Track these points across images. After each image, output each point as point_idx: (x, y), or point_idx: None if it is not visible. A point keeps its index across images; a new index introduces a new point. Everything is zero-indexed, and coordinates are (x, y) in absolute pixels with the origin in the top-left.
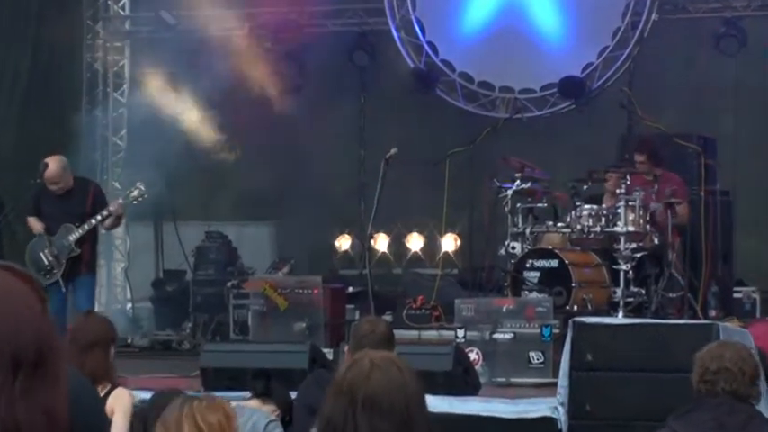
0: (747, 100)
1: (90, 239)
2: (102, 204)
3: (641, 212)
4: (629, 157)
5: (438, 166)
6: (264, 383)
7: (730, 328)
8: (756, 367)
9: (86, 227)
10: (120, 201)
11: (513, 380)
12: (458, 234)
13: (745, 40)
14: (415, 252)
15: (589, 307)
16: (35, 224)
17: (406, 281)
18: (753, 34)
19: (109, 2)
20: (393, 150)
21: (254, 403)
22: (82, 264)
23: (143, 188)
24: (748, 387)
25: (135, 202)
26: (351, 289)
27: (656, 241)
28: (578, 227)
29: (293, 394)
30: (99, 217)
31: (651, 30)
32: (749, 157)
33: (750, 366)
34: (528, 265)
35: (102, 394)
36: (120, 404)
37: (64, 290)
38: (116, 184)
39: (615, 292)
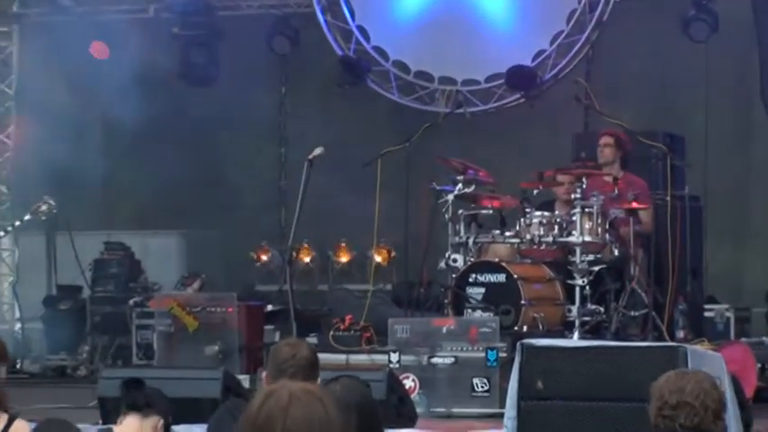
0: (720, 93)
1: None
2: None
3: (599, 220)
4: (585, 156)
5: (369, 167)
6: (143, 393)
7: (700, 351)
8: (721, 400)
9: None
10: None
11: (454, 410)
12: (391, 245)
13: (717, 25)
14: (343, 265)
15: (540, 327)
16: None
17: (332, 298)
18: (726, 18)
19: None
20: (318, 150)
21: (135, 421)
22: None
23: (52, 202)
24: (711, 423)
25: (44, 218)
26: (270, 307)
27: (616, 253)
28: (528, 236)
29: (203, 427)
30: None
31: (611, 12)
32: (722, 157)
33: (713, 400)
34: (471, 280)
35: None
36: None
37: None
38: (2, 188)
39: (570, 311)
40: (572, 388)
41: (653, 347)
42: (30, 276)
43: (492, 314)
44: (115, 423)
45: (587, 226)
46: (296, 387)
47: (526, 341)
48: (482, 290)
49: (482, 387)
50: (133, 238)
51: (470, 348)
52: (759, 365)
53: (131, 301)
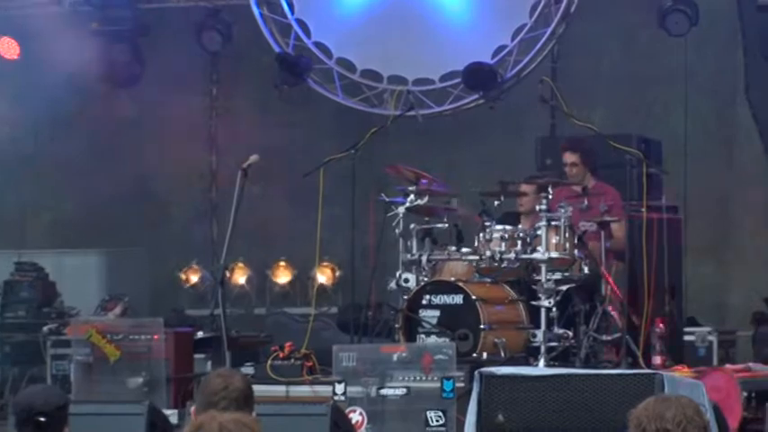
0: (700, 92)
1: None
2: None
3: (567, 234)
4: (551, 162)
5: (310, 177)
6: (46, 421)
7: (678, 378)
8: (706, 429)
9: None
10: None
11: None
12: (336, 264)
13: (698, 17)
14: (283, 287)
15: (502, 354)
16: None
17: (270, 323)
18: (706, 9)
19: None
20: (253, 158)
21: None
22: None
23: None
24: None
25: None
26: (200, 334)
27: (585, 270)
28: (488, 253)
29: None
30: None
31: (580, 3)
32: (703, 162)
33: (697, 427)
34: (425, 302)
35: None
36: None
37: None
38: None
39: (535, 336)
40: (537, 420)
41: (627, 375)
42: None
43: (448, 340)
44: None
45: (554, 241)
46: (226, 418)
47: (486, 369)
48: (437, 313)
49: (437, 421)
50: (47, 258)
51: (424, 378)
52: (745, 394)
53: (45, 329)
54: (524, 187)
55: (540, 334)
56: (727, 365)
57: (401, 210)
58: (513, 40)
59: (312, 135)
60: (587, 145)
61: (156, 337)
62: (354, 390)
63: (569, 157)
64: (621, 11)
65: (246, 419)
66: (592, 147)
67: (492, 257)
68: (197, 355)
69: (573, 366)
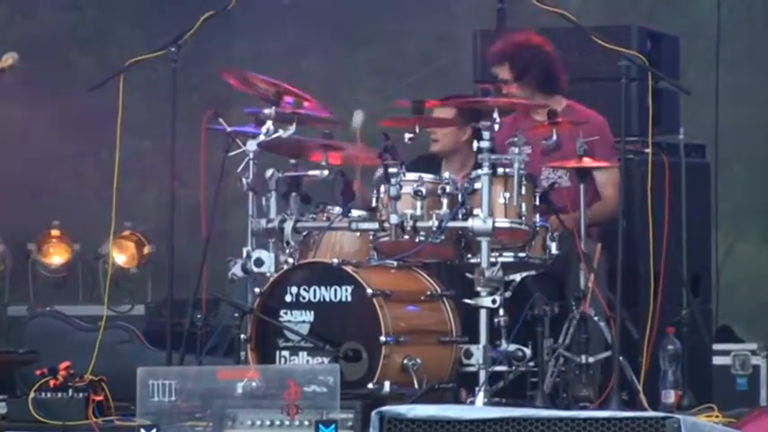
0: None
1: None
2: None
3: (524, 189)
4: (498, 75)
5: (102, 91)
6: None
7: (704, 426)
8: None
9: None
10: None
11: None
12: (143, 235)
13: None
14: (55, 271)
15: (416, 384)
16: None
17: (35, 330)
18: None
19: None
20: (9, 58)
21: None
22: None
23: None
24: None
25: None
26: None
27: (552, 249)
28: (394, 219)
29: None
30: None
31: None
32: (746, 74)
33: None
34: (290, 299)
35: None
36: None
37: None
38: None
39: (470, 354)
40: None
41: (621, 420)
42: None
43: (327, 360)
44: None
45: (501, 200)
46: None
47: (389, 409)
48: (309, 316)
49: None
50: None
51: (287, 422)
52: None
53: None
54: (440, 111)
55: (478, 352)
56: None
57: (252, 146)
58: None
59: (106, 23)
60: (523, 49)
61: None
62: None
63: (499, 71)
64: None
65: None
66: (536, 52)
67: (401, 226)
68: None
69: (533, 405)
